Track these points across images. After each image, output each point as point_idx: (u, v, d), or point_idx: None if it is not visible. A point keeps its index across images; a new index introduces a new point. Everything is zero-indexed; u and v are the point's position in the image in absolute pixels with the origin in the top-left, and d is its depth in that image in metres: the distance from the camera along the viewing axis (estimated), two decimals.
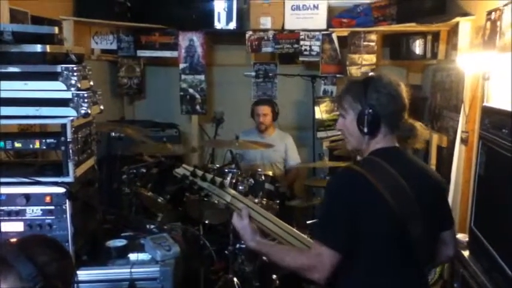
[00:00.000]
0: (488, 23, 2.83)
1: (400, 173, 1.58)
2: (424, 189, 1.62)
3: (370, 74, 1.85)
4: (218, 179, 1.78)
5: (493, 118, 2.01)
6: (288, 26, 4.44)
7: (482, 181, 2.10)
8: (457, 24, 3.50)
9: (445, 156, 3.63)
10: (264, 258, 3.23)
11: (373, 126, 1.62)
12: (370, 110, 1.60)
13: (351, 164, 1.65)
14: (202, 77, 4.61)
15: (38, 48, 1.99)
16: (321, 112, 4.45)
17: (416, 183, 1.59)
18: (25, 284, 1.27)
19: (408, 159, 1.70)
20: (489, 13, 2.83)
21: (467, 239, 2.27)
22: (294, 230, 1.81)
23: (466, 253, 2.22)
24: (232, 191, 1.81)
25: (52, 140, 2.02)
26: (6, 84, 1.98)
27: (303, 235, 1.80)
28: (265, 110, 4.28)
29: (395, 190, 1.54)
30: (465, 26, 3.39)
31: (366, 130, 1.62)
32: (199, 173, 1.78)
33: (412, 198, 1.56)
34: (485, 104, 2.69)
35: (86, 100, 2.02)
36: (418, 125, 1.69)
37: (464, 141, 3.12)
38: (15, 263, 1.28)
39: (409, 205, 1.55)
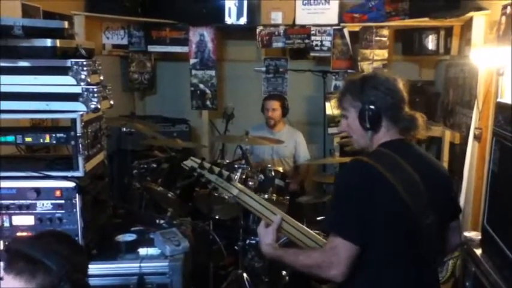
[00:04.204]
0: (503, 18, 2.78)
1: (409, 164, 1.58)
2: (433, 180, 1.62)
3: (364, 73, 1.86)
4: (225, 172, 1.79)
5: (507, 114, 1.97)
6: (299, 21, 4.42)
7: (495, 178, 2.07)
8: (470, 19, 3.45)
9: (458, 153, 3.58)
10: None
11: (375, 121, 1.64)
12: (371, 106, 1.62)
13: (360, 156, 1.64)
14: (212, 72, 4.61)
15: (48, 42, 1.99)
16: (331, 108, 4.40)
17: (425, 174, 1.59)
18: (55, 278, 1.26)
19: (416, 150, 1.71)
20: (504, 7, 2.77)
21: (479, 237, 2.24)
22: (310, 231, 1.79)
23: (478, 251, 2.19)
24: (240, 185, 1.81)
25: (62, 135, 2.04)
26: (16, 79, 1.99)
27: (320, 237, 1.78)
28: (274, 104, 4.26)
29: (405, 180, 1.54)
30: (479, 21, 3.33)
31: (368, 126, 1.64)
32: (207, 165, 1.79)
33: (422, 188, 1.56)
34: (499, 99, 2.65)
35: (95, 95, 2.03)
36: (419, 115, 1.69)
37: (477, 137, 3.08)
38: (43, 259, 1.28)
39: (419, 195, 1.55)
